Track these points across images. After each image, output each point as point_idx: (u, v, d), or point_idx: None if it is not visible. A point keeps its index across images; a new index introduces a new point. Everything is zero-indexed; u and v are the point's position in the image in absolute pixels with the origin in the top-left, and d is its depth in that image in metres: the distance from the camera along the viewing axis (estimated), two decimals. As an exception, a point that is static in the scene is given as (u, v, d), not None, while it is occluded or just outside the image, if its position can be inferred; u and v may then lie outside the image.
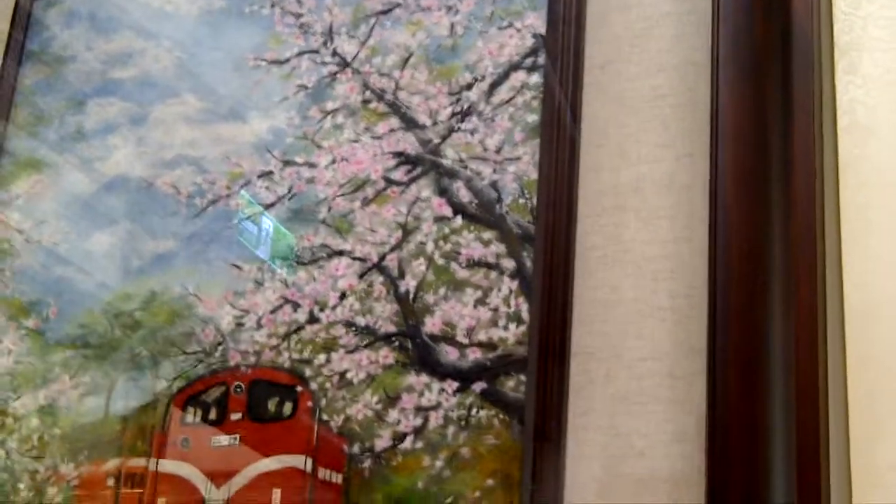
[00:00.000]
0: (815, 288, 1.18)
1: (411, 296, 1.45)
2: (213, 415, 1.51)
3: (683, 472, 1.24)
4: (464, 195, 1.47)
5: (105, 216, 1.69)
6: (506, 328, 1.39)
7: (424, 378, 1.41)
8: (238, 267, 1.57)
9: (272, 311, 1.52)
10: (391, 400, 1.41)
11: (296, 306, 1.51)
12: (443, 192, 1.48)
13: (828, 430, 1.16)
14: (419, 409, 1.39)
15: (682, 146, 1.36)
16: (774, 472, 1.12)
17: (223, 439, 1.48)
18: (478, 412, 1.37)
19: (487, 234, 1.44)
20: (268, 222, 1.57)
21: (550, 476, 1.28)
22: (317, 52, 1.61)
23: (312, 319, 1.50)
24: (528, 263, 1.40)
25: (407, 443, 1.39)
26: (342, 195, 1.54)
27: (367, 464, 1.39)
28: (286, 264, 1.54)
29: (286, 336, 1.50)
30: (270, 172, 1.59)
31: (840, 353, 1.21)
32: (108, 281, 1.65)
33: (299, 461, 1.43)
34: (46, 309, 1.67)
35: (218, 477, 1.47)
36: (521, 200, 1.43)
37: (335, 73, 1.59)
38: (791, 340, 1.16)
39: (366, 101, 1.56)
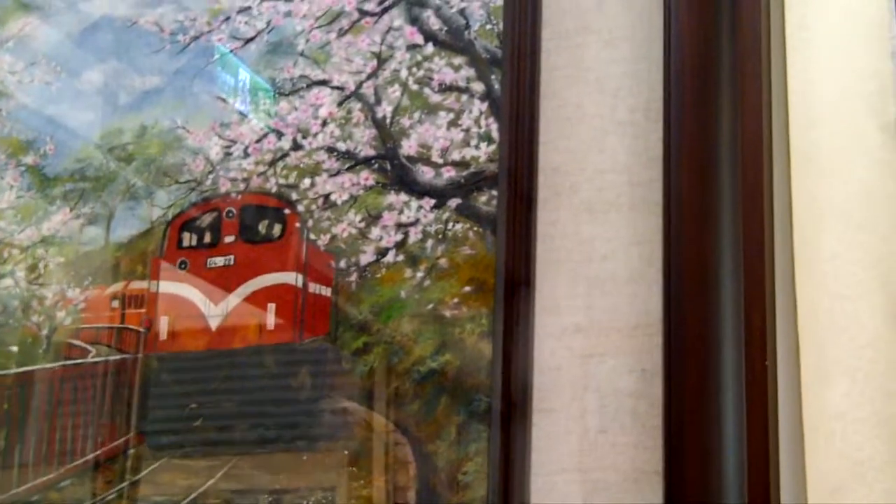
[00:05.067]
0: (760, 91, 1.29)
1: (388, 120, 1.54)
2: (207, 238, 1.61)
3: (642, 271, 1.35)
4: (434, 23, 1.54)
5: (93, 55, 1.76)
6: (477, 147, 1.48)
7: (403, 196, 1.51)
8: (223, 100, 1.65)
9: (258, 140, 1.61)
10: (373, 218, 1.52)
11: (280, 135, 1.60)
12: (414, 20, 1.56)
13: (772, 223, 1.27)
14: (399, 226, 1.50)
15: (638, -31, 1.44)
16: (723, 261, 1.24)
17: (218, 260, 1.59)
18: (454, 226, 1.47)
19: (458, 60, 1.52)
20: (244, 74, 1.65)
21: (522, 281, 1.39)
22: None
23: (296, 146, 1.59)
24: (497, 86, 1.48)
25: (389, 257, 1.49)
26: (319, 27, 1.61)
27: (353, 277, 1.51)
28: (267, 96, 1.62)
29: (272, 163, 1.60)
30: (249, 8, 1.66)
31: (784, 155, 1.31)
32: (101, 117, 1.73)
33: (291, 277, 1.54)
34: (44, 146, 1.75)
35: (215, 295, 1.58)
36: (489, 26, 1.51)
37: None
38: (738, 140, 1.27)
39: (337, -65, 1.63)
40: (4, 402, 1.65)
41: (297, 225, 1.56)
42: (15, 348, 1.68)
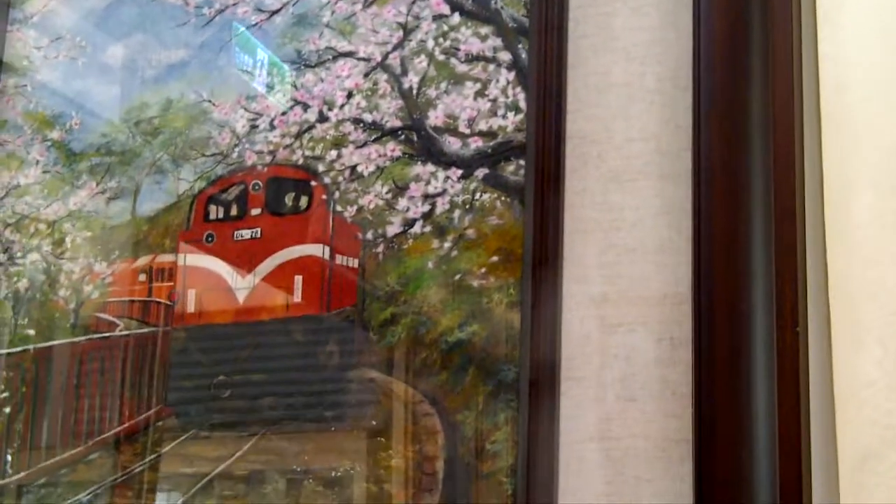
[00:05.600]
0: (791, 58, 1.27)
1: (414, 91, 1.54)
2: (234, 211, 1.61)
3: (671, 240, 1.35)
4: (460, -7, 1.54)
5: (118, 30, 1.76)
6: (504, 117, 1.48)
7: (430, 167, 1.50)
8: (248, 72, 1.65)
9: (283, 113, 1.61)
10: (400, 189, 1.51)
11: (306, 107, 1.60)
12: (440, -10, 1.55)
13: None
14: (426, 196, 1.50)
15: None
16: (754, 229, 1.23)
17: (245, 233, 1.59)
18: (481, 196, 1.47)
19: (484, 29, 1.52)
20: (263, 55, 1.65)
21: (550, 251, 1.39)
22: None
23: (322, 118, 1.58)
24: (524, 55, 1.47)
25: (416, 227, 1.49)
26: (344, -1, 1.61)
27: (380, 248, 1.50)
28: (293, 68, 1.62)
29: (298, 135, 1.59)
30: (274, -20, 1.66)
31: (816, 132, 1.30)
32: (126, 91, 1.73)
33: (317, 249, 1.54)
34: (69, 120, 1.75)
35: (242, 267, 1.58)
36: (515, -5, 1.50)
37: None
38: (768, 108, 1.26)
39: None
40: (32, 376, 1.66)
41: (324, 197, 1.55)
42: (42, 322, 1.69)
